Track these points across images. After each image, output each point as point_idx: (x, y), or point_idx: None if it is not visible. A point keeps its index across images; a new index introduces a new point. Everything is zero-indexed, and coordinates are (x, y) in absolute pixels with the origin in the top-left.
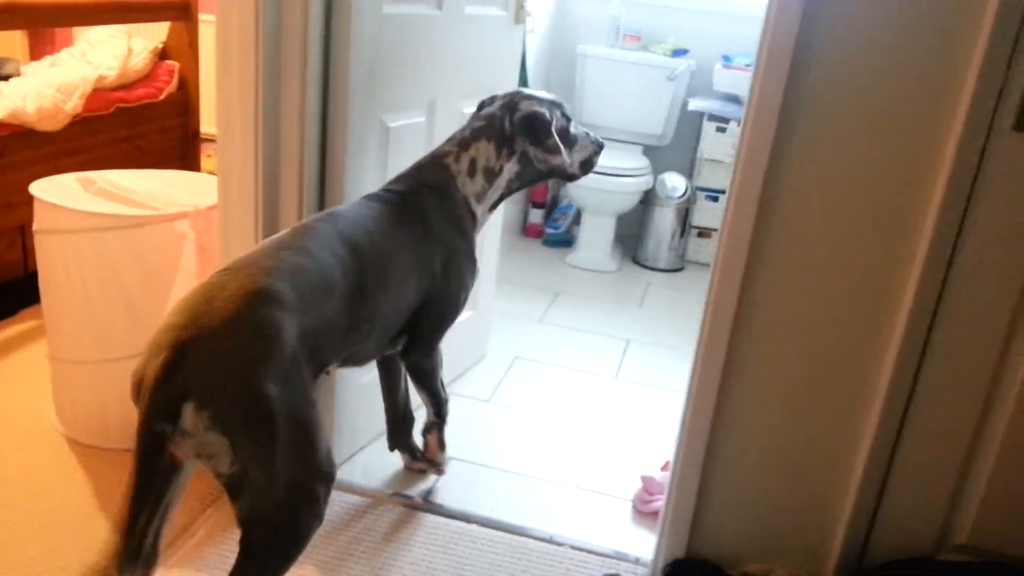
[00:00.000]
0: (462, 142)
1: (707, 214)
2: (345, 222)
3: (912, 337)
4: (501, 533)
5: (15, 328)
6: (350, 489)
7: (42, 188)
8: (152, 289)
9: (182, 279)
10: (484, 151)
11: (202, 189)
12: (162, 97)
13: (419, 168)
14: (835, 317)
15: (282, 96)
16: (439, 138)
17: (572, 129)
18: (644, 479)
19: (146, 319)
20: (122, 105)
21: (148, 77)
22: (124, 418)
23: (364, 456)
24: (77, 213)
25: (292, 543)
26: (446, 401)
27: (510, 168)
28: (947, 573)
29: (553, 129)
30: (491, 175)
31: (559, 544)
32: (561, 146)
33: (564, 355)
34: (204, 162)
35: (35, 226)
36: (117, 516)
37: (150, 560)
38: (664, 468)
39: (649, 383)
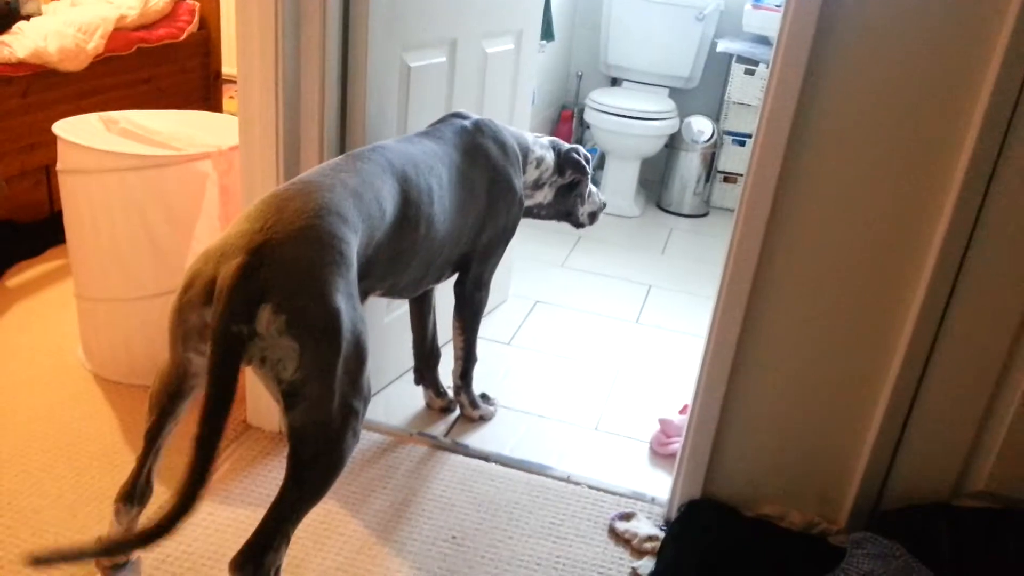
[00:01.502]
0: (542, 145)
1: (734, 159)
2: (394, 154)
3: (937, 285)
4: (520, 472)
5: (41, 267)
6: (373, 427)
7: (65, 128)
8: (176, 228)
9: (205, 219)
10: (549, 161)
11: (224, 130)
12: (183, 37)
13: (508, 129)
14: (860, 264)
15: (302, 36)
16: (460, 79)
17: (589, 186)
18: (662, 421)
19: (170, 258)
20: (143, 45)
21: (169, 17)
22: (149, 354)
23: (387, 395)
24: (101, 153)
25: (337, 460)
26: (475, 361)
27: (548, 192)
28: (963, 519)
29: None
30: (538, 184)
31: (576, 483)
32: (594, 188)
33: (585, 300)
34: (226, 103)
35: (59, 166)
36: (195, 438)
37: (145, 497)
38: (682, 411)
39: (670, 328)
